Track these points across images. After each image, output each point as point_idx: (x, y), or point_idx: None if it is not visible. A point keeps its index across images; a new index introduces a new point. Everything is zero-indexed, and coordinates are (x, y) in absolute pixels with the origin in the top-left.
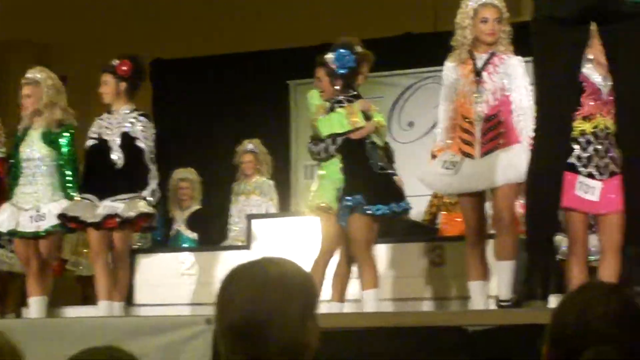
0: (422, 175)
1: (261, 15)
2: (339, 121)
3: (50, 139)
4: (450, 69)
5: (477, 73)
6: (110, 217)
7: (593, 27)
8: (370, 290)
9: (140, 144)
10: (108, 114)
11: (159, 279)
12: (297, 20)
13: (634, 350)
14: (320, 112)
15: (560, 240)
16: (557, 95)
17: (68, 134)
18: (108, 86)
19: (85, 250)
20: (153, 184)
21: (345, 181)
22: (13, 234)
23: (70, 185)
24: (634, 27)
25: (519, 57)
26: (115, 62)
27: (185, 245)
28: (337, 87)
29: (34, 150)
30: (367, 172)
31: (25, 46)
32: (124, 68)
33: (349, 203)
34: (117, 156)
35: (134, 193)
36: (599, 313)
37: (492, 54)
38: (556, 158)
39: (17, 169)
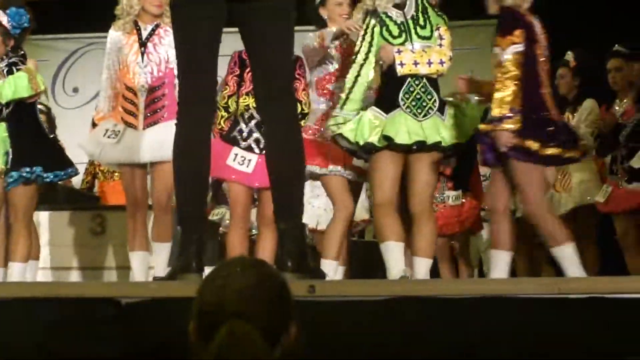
0: (84, 143)
1: None
2: (24, 85)
3: None
4: (114, 37)
5: (142, 44)
6: None
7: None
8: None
9: None
10: None
11: None
12: None
13: (271, 325)
14: None
15: (225, 212)
16: (197, 69)
17: None
18: None
19: None
20: None
21: (18, 148)
22: None
23: None
24: (264, 7)
25: None
26: None
27: None
28: (9, 47)
29: None
30: (42, 140)
31: None
32: None
33: (27, 175)
34: None
35: None
36: (235, 288)
37: (157, 25)
38: (201, 130)
39: None
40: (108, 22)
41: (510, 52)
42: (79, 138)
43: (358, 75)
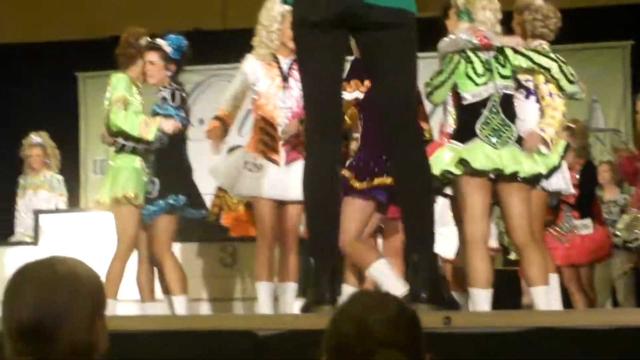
0: (217, 172)
1: (50, 5)
2: (132, 123)
3: None
4: (254, 65)
5: (284, 78)
6: None
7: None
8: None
9: None
10: None
11: None
12: (86, 12)
13: (416, 355)
14: (119, 103)
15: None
16: (322, 100)
17: None
18: None
19: None
20: None
21: (165, 177)
22: None
23: None
24: (388, 37)
25: None
26: None
27: None
28: (169, 73)
29: None
30: (187, 173)
31: None
32: None
33: (174, 203)
34: None
35: None
36: (378, 318)
37: (295, 60)
38: (330, 160)
39: None
40: (230, 54)
41: None
42: (205, 169)
43: (430, 94)
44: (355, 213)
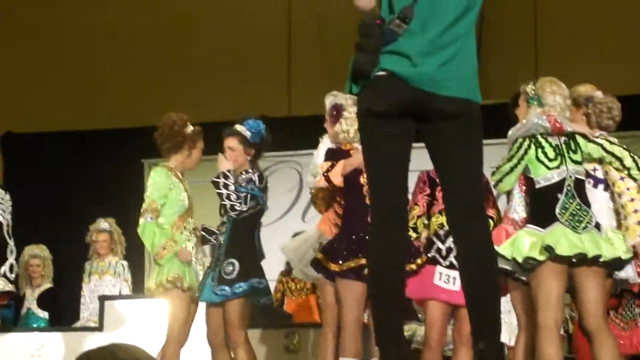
0: (290, 252)
1: (116, 93)
2: (152, 243)
3: None
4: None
5: None
6: None
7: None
8: None
9: None
10: None
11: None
12: (152, 100)
13: None
14: (149, 213)
15: (416, 329)
16: (388, 189)
17: None
18: None
19: None
20: (11, 258)
21: (246, 260)
22: None
23: None
24: (454, 127)
25: None
26: None
27: (35, 325)
28: (249, 157)
29: None
30: (259, 256)
31: None
32: None
33: (257, 285)
34: None
35: None
36: None
37: None
38: (395, 250)
39: None
40: (295, 141)
41: None
42: (272, 253)
43: (499, 182)
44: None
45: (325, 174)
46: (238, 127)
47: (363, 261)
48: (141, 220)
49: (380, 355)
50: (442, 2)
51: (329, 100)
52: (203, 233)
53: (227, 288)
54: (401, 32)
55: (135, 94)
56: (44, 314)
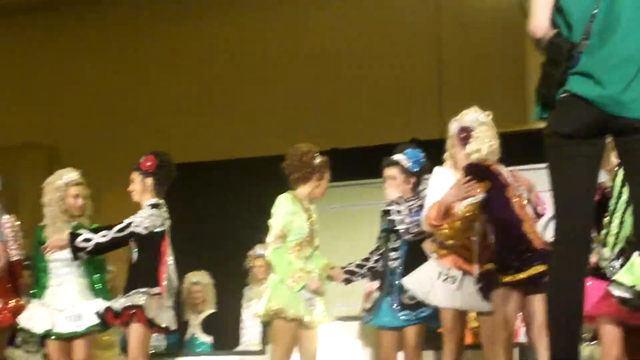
0: (412, 282)
1: (269, 122)
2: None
3: None
4: (443, 174)
5: None
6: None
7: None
8: None
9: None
10: None
11: None
12: (305, 128)
13: None
14: (277, 240)
15: (592, 351)
16: (573, 210)
17: None
18: (134, 184)
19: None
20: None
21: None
22: (47, 335)
23: (101, 283)
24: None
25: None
26: (141, 158)
27: (200, 349)
28: (409, 186)
29: (64, 250)
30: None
31: (35, 149)
32: (148, 164)
33: (426, 312)
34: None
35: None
36: None
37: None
38: (576, 271)
39: (43, 269)
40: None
41: None
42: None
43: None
44: None
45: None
46: (397, 156)
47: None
48: (270, 247)
49: None
50: (617, 13)
51: (454, 126)
52: (347, 276)
53: (410, 313)
54: (582, 49)
55: (288, 122)
56: (208, 339)
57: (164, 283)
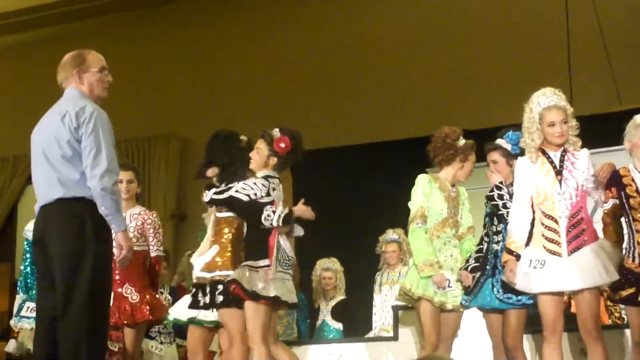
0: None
1: (399, 105)
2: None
3: None
4: (525, 167)
5: (558, 172)
6: None
7: None
8: None
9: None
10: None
11: None
12: (431, 109)
13: None
14: (418, 219)
15: None
16: None
17: None
18: (259, 154)
19: None
20: None
21: None
22: (192, 322)
23: None
24: None
25: (586, 150)
26: (276, 133)
27: (330, 336)
28: (512, 168)
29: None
30: None
31: (170, 139)
32: (282, 145)
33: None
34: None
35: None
36: None
37: (565, 151)
38: None
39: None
40: None
41: None
42: None
43: None
44: None
45: None
46: (499, 140)
47: None
48: (411, 226)
49: None
50: None
51: None
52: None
53: (513, 296)
54: None
55: (415, 103)
56: (338, 325)
57: (273, 256)
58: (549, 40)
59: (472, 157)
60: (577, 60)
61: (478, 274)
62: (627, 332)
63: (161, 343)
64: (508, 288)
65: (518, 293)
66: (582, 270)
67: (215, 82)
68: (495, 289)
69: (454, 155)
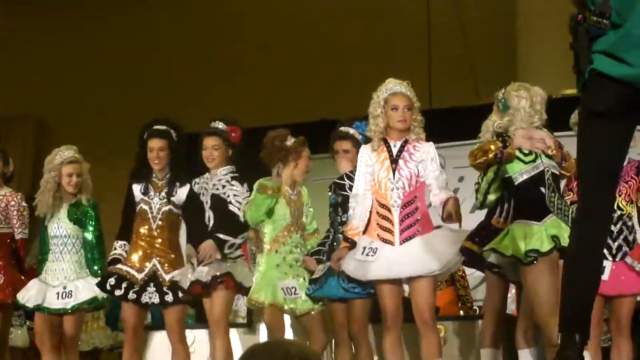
0: (344, 263)
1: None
2: None
3: (75, 217)
4: (366, 154)
5: (393, 160)
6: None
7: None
8: None
9: (233, 208)
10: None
11: None
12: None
13: None
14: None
15: None
16: (591, 189)
17: (93, 212)
18: (219, 151)
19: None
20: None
21: None
22: (38, 308)
23: (97, 261)
24: None
25: (431, 143)
26: (222, 126)
27: None
28: None
29: (60, 227)
30: None
31: (24, 121)
32: (234, 134)
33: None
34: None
35: None
36: None
37: (406, 141)
38: (593, 247)
39: (45, 246)
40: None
41: None
42: None
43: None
44: None
45: None
46: (351, 130)
47: None
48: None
49: (562, 337)
50: None
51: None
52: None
53: (358, 286)
54: (603, 27)
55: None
56: None
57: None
58: (410, 35)
59: (305, 153)
60: (437, 54)
61: (323, 265)
62: (480, 322)
63: (12, 326)
64: (353, 278)
65: (363, 283)
66: (412, 258)
67: (76, 61)
68: (340, 279)
69: (285, 155)
